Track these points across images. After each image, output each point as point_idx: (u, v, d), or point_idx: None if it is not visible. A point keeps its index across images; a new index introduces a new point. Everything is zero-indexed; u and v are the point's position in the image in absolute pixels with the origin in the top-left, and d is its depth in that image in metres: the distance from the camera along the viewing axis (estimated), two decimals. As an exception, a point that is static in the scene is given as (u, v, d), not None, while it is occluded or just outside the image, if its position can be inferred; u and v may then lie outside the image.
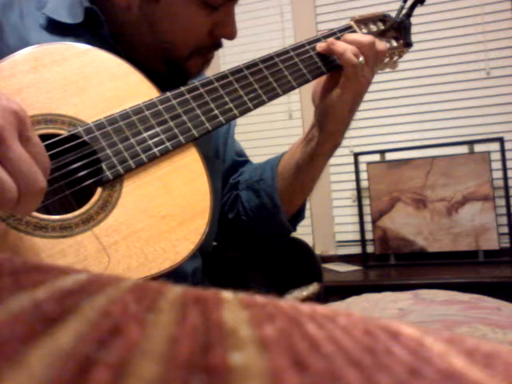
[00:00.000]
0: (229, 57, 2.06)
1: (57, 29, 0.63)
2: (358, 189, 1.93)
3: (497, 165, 1.77)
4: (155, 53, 0.66)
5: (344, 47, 0.65)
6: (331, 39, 0.67)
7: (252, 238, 0.81)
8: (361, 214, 1.92)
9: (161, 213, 0.53)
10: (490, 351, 0.15)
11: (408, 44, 0.76)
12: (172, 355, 0.11)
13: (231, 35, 0.67)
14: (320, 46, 0.68)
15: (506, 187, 1.77)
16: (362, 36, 0.67)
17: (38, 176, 0.40)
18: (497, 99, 1.84)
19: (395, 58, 0.77)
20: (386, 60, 0.76)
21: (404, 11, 0.75)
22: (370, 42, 0.66)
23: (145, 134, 0.56)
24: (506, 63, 1.83)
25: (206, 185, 0.56)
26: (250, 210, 0.77)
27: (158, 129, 0.56)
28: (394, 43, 0.76)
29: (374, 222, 1.87)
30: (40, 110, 0.52)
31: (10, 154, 0.38)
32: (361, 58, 0.65)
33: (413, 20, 0.77)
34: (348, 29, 0.72)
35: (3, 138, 0.37)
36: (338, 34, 0.71)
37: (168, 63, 0.66)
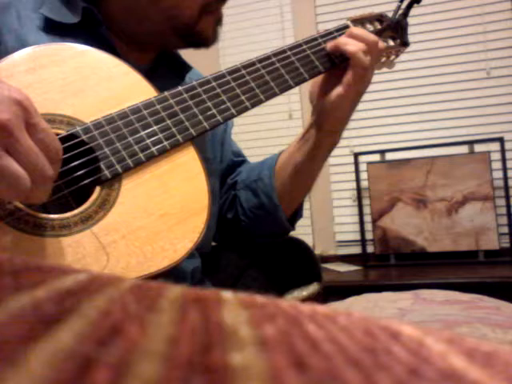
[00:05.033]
0: (228, 57, 2.05)
1: (54, 29, 0.63)
2: (358, 189, 1.93)
3: (497, 165, 1.77)
4: (163, 26, 0.65)
5: (355, 47, 0.64)
6: (340, 38, 0.67)
7: (251, 238, 0.81)
8: (361, 214, 1.92)
9: (159, 211, 0.53)
10: (490, 351, 0.15)
11: (405, 43, 0.76)
12: (172, 355, 0.11)
13: None
14: (331, 46, 0.67)
15: (506, 187, 1.77)
16: (368, 33, 0.67)
17: (46, 164, 0.42)
18: (497, 99, 1.84)
19: (392, 57, 0.77)
20: (383, 59, 0.76)
21: (401, 11, 0.75)
22: (374, 40, 0.66)
23: (143, 133, 0.56)
24: (506, 63, 1.83)
25: (204, 183, 0.56)
26: (249, 210, 0.77)
27: (155, 128, 0.56)
28: (391, 43, 0.76)
29: (374, 221, 1.87)
30: (38, 110, 0.52)
31: (19, 146, 0.39)
32: (368, 57, 0.64)
33: (413, 20, 0.77)
34: (345, 28, 0.72)
35: (12, 132, 0.39)
36: (334, 33, 0.71)
37: (179, 32, 0.66)
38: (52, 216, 0.48)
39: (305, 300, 0.74)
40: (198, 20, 0.65)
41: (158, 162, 0.56)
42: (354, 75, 0.65)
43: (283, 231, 0.79)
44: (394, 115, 1.95)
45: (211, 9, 0.66)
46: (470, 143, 1.83)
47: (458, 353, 0.14)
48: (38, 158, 0.41)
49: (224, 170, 0.82)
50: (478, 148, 1.82)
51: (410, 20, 0.77)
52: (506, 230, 1.77)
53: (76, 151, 0.52)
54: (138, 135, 0.55)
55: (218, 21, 0.68)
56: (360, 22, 0.75)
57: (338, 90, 0.66)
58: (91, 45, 0.59)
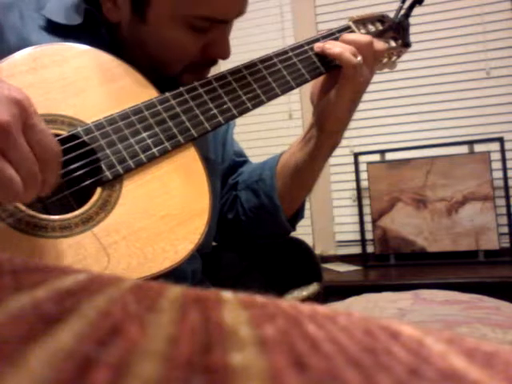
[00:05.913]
0: (229, 57, 2.05)
1: (56, 30, 0.63)
2: (358, 189, 1.93)
3: (497, 165, 1.77)
4: (147, 67, 0.64)
5: (341, 49, 0.65)
6: (326, 42, 0.67)
7: (251, 238, 0.81)
8: (361, 214, 1.92)
9: (160, 212, 0.53)
10: (490, 351, 0.15)
11: (406, 44, 0.76)
12: (172, 355, 0.11)
13: (223, 55, 0.64)
14: (318, 46, 0.68)
15: (506, 187, 1.77)
16: (360, 36, 0.68)
17: (37, 169, 0.41)
18: (497, 99, 1.84)
19: (394, 58, 0.77)
20: (385, 60, 0.76)
21: (402, 11, 0.75)
22: (367, 41, 0.66)
23: (144, 134, 0.56)
24: (506, 63, 1.83)
25: (205, 184, 0.56)
26: (249, 211, 0.77)
27: (157, 129, 0.56)
28: (393, 43, 0.75)
29: (374, 221, 1.87)
30: (39, 110, 0.52)
31: (16, 151, 0.39)
32: (359, 58, 0.64)
33: (413, 20, 0.77)
34: (346, 29, 0.72)
35: (9, 135, 0.39)
36: (336, 34, 0.71)
37: (161, 76, 0.65)
38: (53, 217, 0.48)
39: (305, 300, 0.74)
40: (181, 75, 0.64)
41: (159, 163, 0.56)
42: (344, 75, 0.65)
43: (284, 232, 0.79)
44: (393, 115, 1.95)
45: (197, 69, 0.64)
46: (470, 143, 1.83)
47: (458, 353, 0.14)
48: (32, 163, 0.41)
49: (225, 170, 0.82)
50: (477, 148, 1.82)
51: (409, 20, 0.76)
52: (506, 229, 1.77)
53: (77, 152, 0.52)
54: (139, 136, 0.55)
55: (202, 77, 0.66)
56: (361, 22, 0.74)
57: (335, 91, 0.66)
58: (93, 45, 0.59)
